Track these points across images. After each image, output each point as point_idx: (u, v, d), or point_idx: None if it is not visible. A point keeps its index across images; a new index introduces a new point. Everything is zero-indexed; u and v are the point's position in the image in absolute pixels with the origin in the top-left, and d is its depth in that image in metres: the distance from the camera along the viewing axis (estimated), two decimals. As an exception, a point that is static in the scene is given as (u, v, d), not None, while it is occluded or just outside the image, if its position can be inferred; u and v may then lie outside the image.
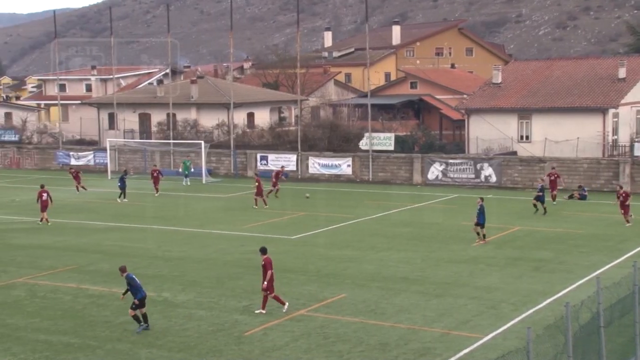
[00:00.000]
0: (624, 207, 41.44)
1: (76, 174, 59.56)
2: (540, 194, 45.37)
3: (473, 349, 22.74)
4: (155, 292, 29.60)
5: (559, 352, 16.36)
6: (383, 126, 74.12)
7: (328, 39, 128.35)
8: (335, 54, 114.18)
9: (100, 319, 26.50)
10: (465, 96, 77.46)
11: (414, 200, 52.90)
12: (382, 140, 65.10)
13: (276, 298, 26.00)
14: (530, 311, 26.55)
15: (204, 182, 64.80)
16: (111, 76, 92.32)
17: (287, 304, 26.04)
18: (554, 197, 48.81)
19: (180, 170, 64.57)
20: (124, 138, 78.19)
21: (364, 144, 65.45)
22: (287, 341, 23.81)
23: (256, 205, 50.04)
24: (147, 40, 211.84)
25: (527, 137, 64.37)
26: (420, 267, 33.26)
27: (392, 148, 64.54)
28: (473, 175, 59.36)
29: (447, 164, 60.82)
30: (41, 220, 45.19)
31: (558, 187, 49.35)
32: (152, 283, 30.66)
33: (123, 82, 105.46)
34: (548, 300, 27.79)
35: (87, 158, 75.39)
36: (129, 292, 25.09)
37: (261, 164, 67.29)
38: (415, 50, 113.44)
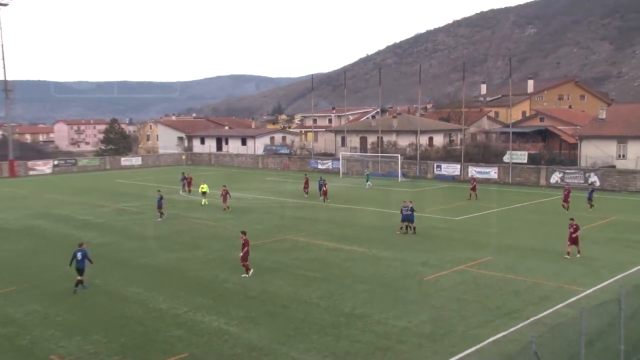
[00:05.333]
0: (573, 239, 27.74)
1: (190, 180, 54.95)
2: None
3: (579, 298, 21.61)
4: (368, 249, 30.00)
5: (643, 303, 15.36)
6: (519, 147, 71.56)
7: (483, 89, 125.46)
8: (488, 98, 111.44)
9: (334, 262, 27.11)
10: (578, 127, 73.21)
11: (540, 197, 50.36)
12: (519, 156, 62.75)
13: None
14: (622, 275, 24.86)
15: (399, 180, 64.50)
16: (343, 113, 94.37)
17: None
18: (566, 207, 40.54)
19: (366, 176, 61.71)
20: (350, 152, 79.43)
21: (506, 158, 63.34)
22: (451, 285, 23.46)
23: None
24: (367, 91, 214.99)
25: (623, 156, 59.83)
26: (543, 241, 31.55)
27: (525, 161, 62.01)
28: (582, 181, 55.83)
29: (564, 172, 57.84)
30: (224, 210, 42.68)
31: (568, 200, 41.21)
32: (366, 244, 31.08)
33: (350, 117, 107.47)
34: (636, 268, 26.00)
35: (327, 164, 77.14)
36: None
37: (437, 170, 66.52)
38: (544, 96, 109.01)
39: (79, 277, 23.28)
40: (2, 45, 75.66)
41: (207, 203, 46.23)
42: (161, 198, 40.36)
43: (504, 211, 42.93)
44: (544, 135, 79.16)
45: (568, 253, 27.96)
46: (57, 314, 20.74)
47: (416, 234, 33.57)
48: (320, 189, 48.63)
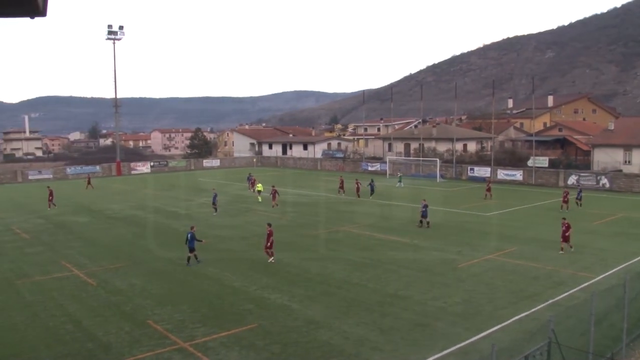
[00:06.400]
0: (565, 236, 26.20)
1: (254, 181, 53.20)
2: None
3: (590, 283, 21.03)
4: (410, 239, 29.71)
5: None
6: (541, 153, 69.57)
7: (510, 103, 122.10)
8: (514, 111, 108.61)
9: (381, 250, 26.97)
10: (591, 136, 71.06)
11: (559, 196, 48.14)
12: (541, 161, 60.99)
13: None
14: (627, 263, 24.12)
15: (437, 181, 63.49)
16: (390, 123, 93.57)
17: None
18: (565, 207, 39.62)
19: (398, 177, 61.01)
20: (396, 156, 78.81)
21: (530, 163, 61.60)
22: (482, 271, 23.06)
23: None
24: (410, 104, 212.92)
25: (629, 162, 58.22)
26: (560, 235, 30.50)
27: (546, 165, 60.26)
28: (594, 182, 53.97)
29: (579, 175, 55.86)
30: (273, 207, 41.62)
31: (567, 201, 40.07)
32: (408, 235, 30.71)
33: (396, 126, 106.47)
34: (639, 257, 25.14)
35: (376, 166, 76.51)
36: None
37: (470, 172, 65.27)
38: (562, 110, 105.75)
39: (189, 254, 24.59)
40: (115, 72, 79.43)
41: (261, 199, 46.05)
42: (215, 195, 40.60)
43: (527, 208, 41.78)
44: (562, 143, 76.80)
45: (562, 248, 26.23)
46: (152, 287, 21.48)
47: (430, 227, 32.67)
48: (372, 190, 47.95)
